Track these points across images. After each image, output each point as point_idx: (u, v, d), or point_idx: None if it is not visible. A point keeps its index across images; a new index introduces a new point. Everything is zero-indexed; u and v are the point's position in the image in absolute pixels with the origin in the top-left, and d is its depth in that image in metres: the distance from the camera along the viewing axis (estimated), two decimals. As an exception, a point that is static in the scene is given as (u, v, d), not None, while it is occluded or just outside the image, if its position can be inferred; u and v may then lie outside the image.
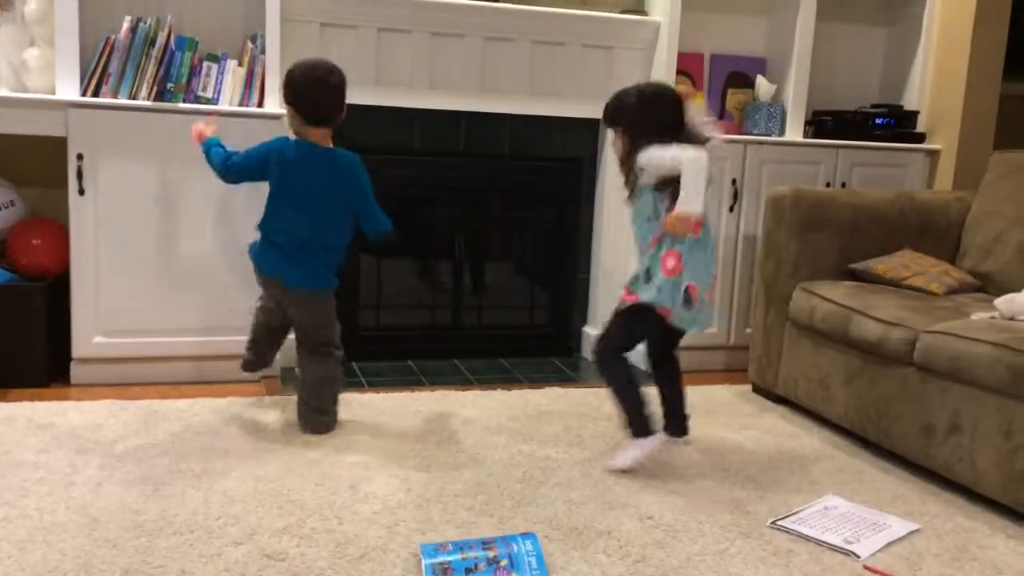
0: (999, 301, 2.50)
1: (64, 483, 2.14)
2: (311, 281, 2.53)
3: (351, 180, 2.52)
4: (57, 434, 2.45)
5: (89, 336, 2.89)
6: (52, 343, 2.89)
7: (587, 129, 3.56)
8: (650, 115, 2.39)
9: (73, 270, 2.85)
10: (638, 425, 2.41)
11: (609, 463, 2.41)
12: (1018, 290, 2.57)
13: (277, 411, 2.74)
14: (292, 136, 2.53)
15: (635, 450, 2.39)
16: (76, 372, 2.92)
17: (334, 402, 2.64)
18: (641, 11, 3.52)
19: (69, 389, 2.88)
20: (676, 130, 2.38)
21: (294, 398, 2.86)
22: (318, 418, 2.59)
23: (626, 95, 2.45)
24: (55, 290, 2.90)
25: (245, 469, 2.28)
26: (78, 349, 2.90)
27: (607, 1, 3.51)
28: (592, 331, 3.67)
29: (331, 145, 2.54)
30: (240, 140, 2.93)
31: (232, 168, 2.56)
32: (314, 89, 2.47)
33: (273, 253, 2.52)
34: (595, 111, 3.46)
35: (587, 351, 3.69)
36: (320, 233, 2.50)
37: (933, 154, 3.76)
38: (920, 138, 3.76)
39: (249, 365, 2.83)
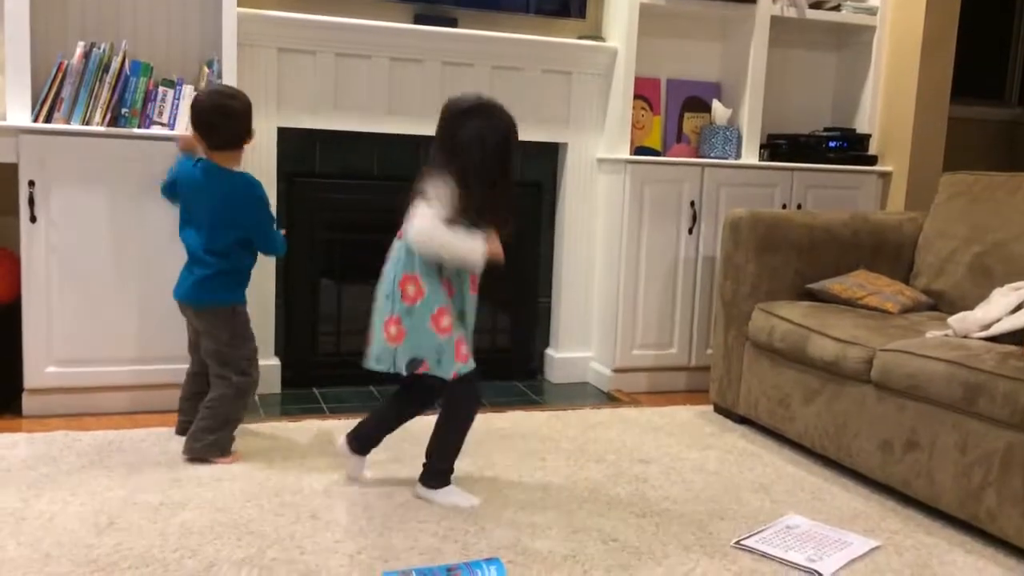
0: (952, 319, 2.55)
1: (15, 518, 2.08)
2: (205, 295, 2.52)
3: (241, 205, 2.50)
4: (8, 467, 2.38)
5: (41, 366, 2.83)
6: (3, 373, 2.83)
7: (547, 153, 3.58)
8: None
9: (24, 299, 2.79)
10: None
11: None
12: (970, 308, 2.62)
13: (236, 439, 2.69)
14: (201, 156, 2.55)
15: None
16: (28, 403, 2.85)
17: (210, 430, 2.49)
18: (598, 37, 3.56)
19: (21, 420, 2.81)
20: None
21: (251, 426, 2.82)
22: (188, 442, 2.50)
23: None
24: (6, 319, 2.83)
25: (203, 499, 2.24)
26: (30, 379, 2.83)
27: (565, 27, 3.55)
28: (555, 354, 3.67)
29: (237, 166, 2.54)
30: (197, 166, 2.91)
31: (163, 189, 2.65)
32: (216, 116, 2.49)
33: (181, 274, 2.58)
34: (555, 135, 3.51)
35: (550, 374, 3.69)
36: (213, 251, 2.51)
37: (885, 176, 3.84)
38: (872, 160, 3.84)
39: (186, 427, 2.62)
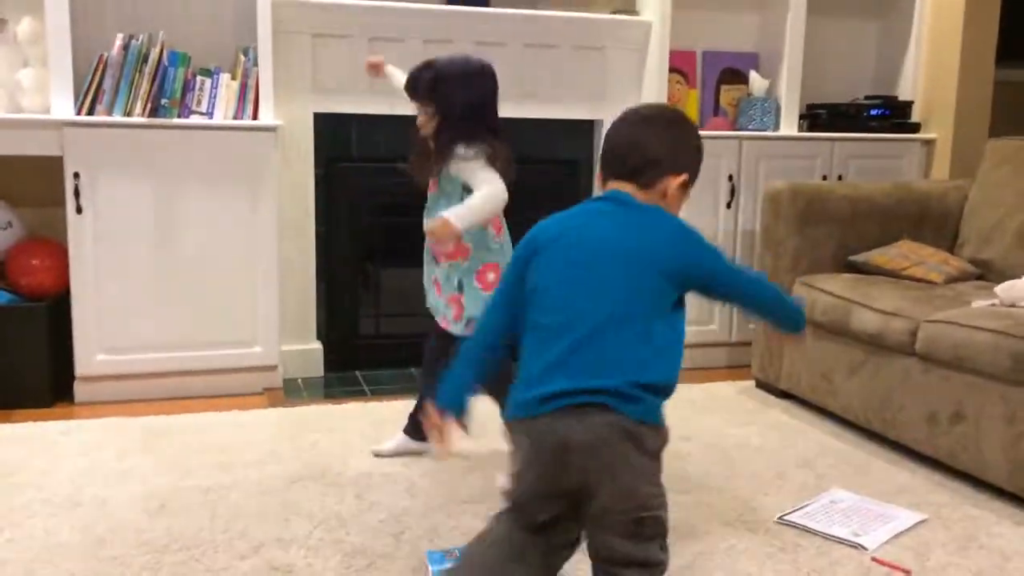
0: (999, 288, 2.50)
1: (69, 503, 2.14)
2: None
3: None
4: (61, 454, 2.45)
5: (91, 354, 2.90)
6: (55, 362, 2.89)
7: (582, 131, 3.56)
8: (467, 96, 2.17)
9: (73, 289, 2.86)
10: None
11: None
12: (1018, 276, 2.57)
13: (281, 423, 2.74)
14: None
15: None
16: (80, 391, 2.92)
17: None
18: (632, 11, 3.52)
19: (73, 408, 2.88)
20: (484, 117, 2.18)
21: (295, 409, 2.86)
22: None
23: (448, 66, 2.20)
24: (56, 309, 2.90)
25: (250, 482, 2.28)
26: (81, 368, 2.90)
27: (598, 1, 3.52)
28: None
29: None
30: (236, 152, 2.95)
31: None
32: None
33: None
34: (590, 113, 3.50)
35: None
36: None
37: (929, 144, 3.76)
38: (915, 128, 3.76)
39: None
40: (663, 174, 1.52)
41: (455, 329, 2.26)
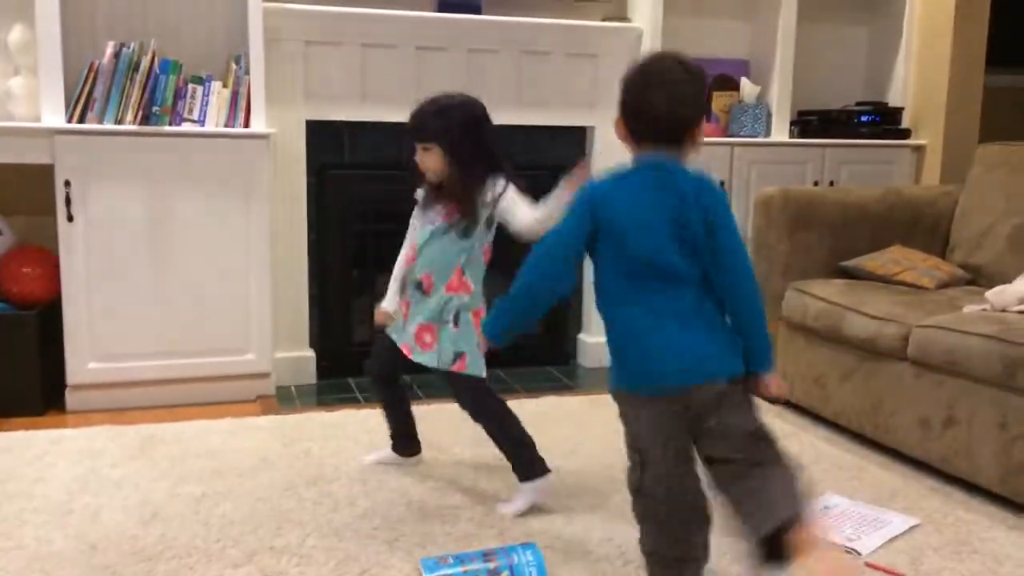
0: (990, 293, 2.51)
1: (61, 511, 2.13)
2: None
3: None
4: (53, 462, 2.44)
5: (83, 362, 2.89)
6: (46, 371, 2.88)
7: (574, 137, 3.56)
8: (478, 133, 2.17)
9: (65, 297, 2.85)
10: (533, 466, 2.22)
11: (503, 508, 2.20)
12: (1008, 281, 2.58)
13: (274, 430, 2.73)
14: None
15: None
16: (71, 399, 2.91)
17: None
18: (624, 18, 3.53)
19: (65, 416, 2.87)
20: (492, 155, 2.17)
21: (288, 417, 2.86)
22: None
23: (448, 106, 2.17)
24: (47, 318, 2.89)
25: (243, 490, 2.27)
26: (72, 376, 2.89)
27: (590, 9, 3.53)
28: (587, 339, 3.67)
29: None
30: (228, 160, 2.95)
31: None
32: None
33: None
34: (581, 119, 3.50)
35: (583, 359, 3.69)
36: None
37: (919, 149, 3.78)
38: (906, 134, 3.78)
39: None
40: (695, 129, 1.62)
41: (430, 360, 2.18)
